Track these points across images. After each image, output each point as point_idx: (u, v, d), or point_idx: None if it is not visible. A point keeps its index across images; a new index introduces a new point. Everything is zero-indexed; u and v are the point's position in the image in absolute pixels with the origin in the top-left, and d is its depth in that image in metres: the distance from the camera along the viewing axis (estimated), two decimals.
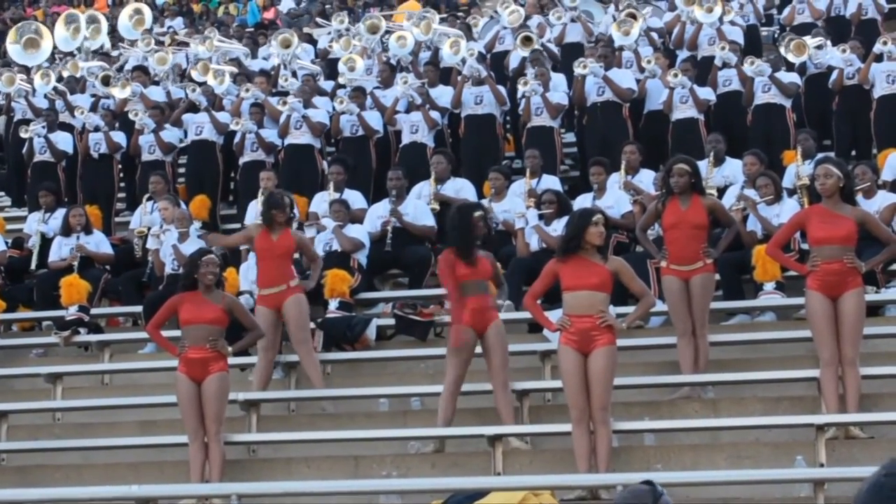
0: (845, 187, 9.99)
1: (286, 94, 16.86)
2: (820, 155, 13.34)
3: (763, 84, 14.96)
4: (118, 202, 16.92)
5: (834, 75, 15.29)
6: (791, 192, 13.09)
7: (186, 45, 20.92)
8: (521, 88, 15.53)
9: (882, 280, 12.04)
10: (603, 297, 9.69)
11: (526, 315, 11.44)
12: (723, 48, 15.60)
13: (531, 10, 18.99)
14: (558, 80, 15.98)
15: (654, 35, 17.58)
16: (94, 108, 17.40)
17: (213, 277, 10.52)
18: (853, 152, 15.04)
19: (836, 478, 9.26)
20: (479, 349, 10.48)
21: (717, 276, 11.50)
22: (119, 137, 16.74)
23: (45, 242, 14.97)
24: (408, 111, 16.05)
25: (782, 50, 15.54)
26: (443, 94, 16.34)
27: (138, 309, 13.59)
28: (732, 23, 16.99)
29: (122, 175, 17.02)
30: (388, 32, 18.29)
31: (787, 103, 14.97)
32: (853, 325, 9.84)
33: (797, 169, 13.47)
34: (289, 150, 16.04)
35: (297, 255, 12.43)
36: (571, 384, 9.64)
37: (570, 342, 9.62)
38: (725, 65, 15.54)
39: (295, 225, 13.46)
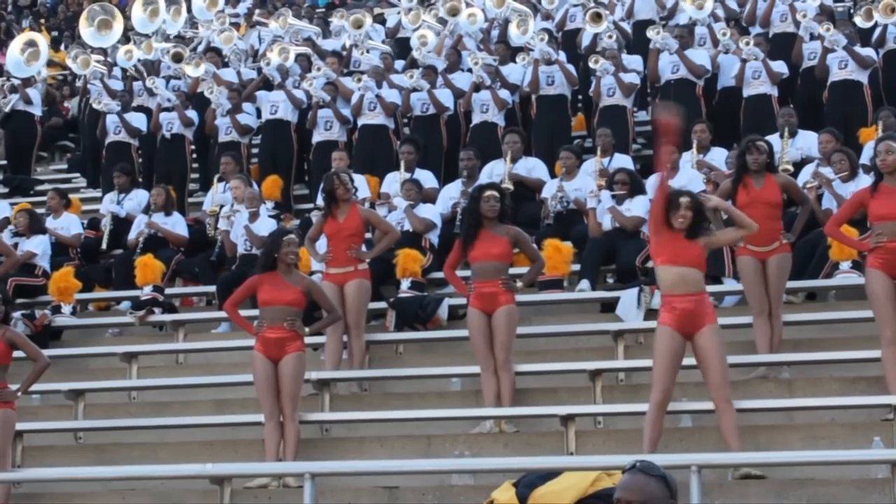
0: None
1: (358, 73, 16.82)
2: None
3: (839, 60, 14.76)
4: (191, 183, 17.02)
5: None
6: (868, 170, 12.89)
7: (262, 24, 20.97)
8: (592, 66, 15.42)
9: None
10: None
11: (599, 294, 11.44)
12: (804, 16, 15.39)
13: None
14: (631, 60, 15.86)
15: (733, 6, 17.40)
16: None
17: (294, 257, 10.53)
18: None
19: None
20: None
21: None
22: (192, 115, 16.83)
23: (119, 223, 15.12)
24: (477, 90, 15.99)
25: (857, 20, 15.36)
26: (513, 72, 16.27)
27: (212, 289, 13.67)
28: None
29: (194, 156, 17.11)
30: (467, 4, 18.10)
31: (865, 79, 14.74)
32: None
33: None
34: (363, 131, 16.00)
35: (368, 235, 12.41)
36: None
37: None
38: (812, 37, 15.33)
39: (367, 204, 13.47)
